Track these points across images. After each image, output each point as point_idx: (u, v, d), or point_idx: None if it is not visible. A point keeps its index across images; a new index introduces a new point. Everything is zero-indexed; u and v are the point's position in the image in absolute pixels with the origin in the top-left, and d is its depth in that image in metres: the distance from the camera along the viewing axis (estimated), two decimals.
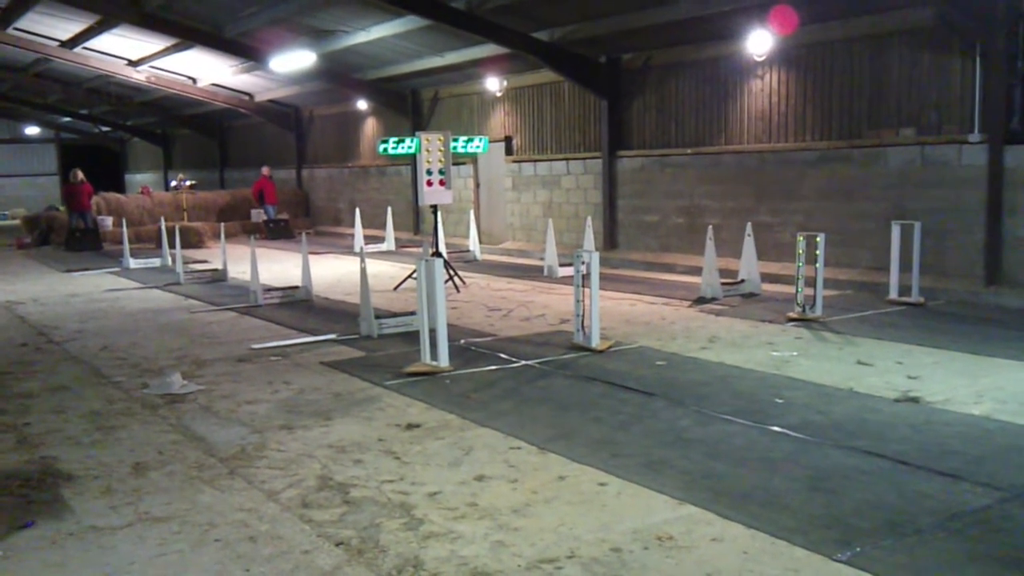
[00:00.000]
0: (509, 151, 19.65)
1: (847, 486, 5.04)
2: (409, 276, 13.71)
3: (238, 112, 27.95)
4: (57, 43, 23.15)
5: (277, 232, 24.59)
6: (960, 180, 11.65)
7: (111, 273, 17.15)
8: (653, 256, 15.96)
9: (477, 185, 20.88)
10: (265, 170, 25.55)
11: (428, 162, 12.67)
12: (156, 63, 24.16)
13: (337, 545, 4.45)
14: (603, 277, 10.14)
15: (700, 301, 11.65)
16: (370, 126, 24.69)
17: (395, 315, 10.48)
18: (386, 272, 15.76)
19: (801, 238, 10.21)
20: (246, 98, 26.82)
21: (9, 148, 40.52)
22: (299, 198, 28.09)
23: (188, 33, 19.83)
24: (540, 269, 15.29)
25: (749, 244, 12.07)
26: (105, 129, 40.05)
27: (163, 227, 18.80)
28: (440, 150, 12.74)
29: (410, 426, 6.46)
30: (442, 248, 14.12)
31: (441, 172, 12.77)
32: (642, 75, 16.31)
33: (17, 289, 15.04)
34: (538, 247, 17.45)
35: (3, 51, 24.59)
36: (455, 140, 13.28)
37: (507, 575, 4.10)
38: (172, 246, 17.07)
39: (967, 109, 11.59)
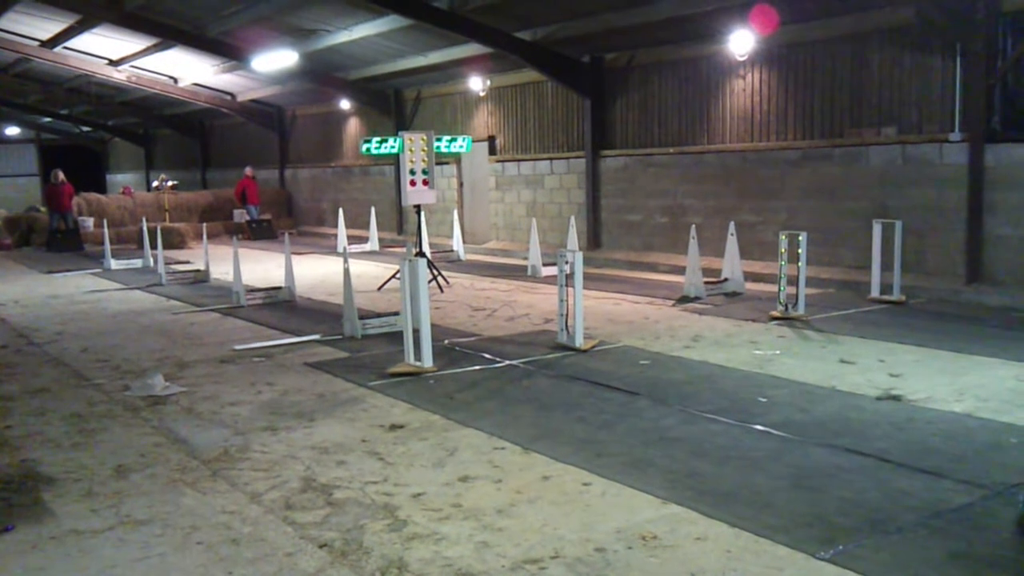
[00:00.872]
0: (492, 151, 19.64)
1: (830, 484, 5.06)
2: (393, 276, 13.69)
3: (220, 112, 27.82)
4: (37, 43, 22.98)
5: (260, 232, 24.50)
6: (941, 179, 11.73)
7: (92, 274, 17.04)
8: (636, 255, 15.98)
9: (460, 185, 20.86)
10: (248, 170, 25.43)
11: (411, 162, 12.65)
12: (137, 63, 24.02)
13: (321, 547, 4.43)
14: (587, 276, 10.14)
15: (683, 300, 11.68)
16: (353, 126, 24.63)
17: (379, 315, 10.45)
18: (370, 272, 15.73)
19: (783, 237, 10.25)
20: (228, 98, 26.70)
21: None
22: (282, 198, 27.99)
23: (169, 32, 19.73)
24: (524, 269, 15.29)
25: (732, 243, 12.11)
26: (86, 129, 39.81)
27: (145, 228, 18.69)
28: (423, 150, 12.72)
29: (394, 427, 6.45)
30: (426, 248, 14.12)
31: (424, 172, 12.74)
32: (625, 74, 16.34)
33: None
34: (522, 247, 17.45)
35: None
36: (438, 140, 13.26)
37: None
38: (154, 247, 16.97)
39: (948, 108, 11.67)
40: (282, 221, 26.48)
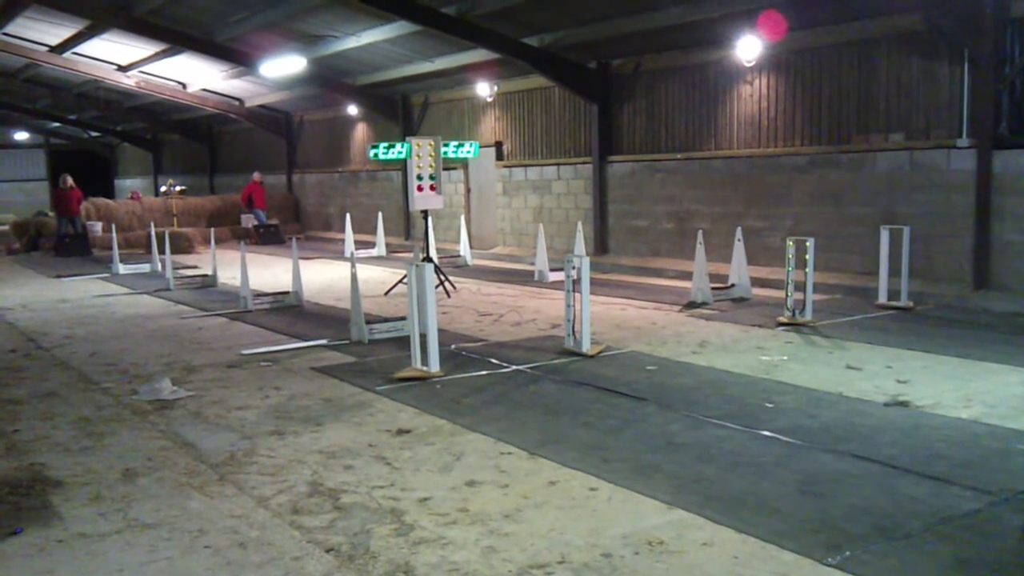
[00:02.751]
0: (500, 156, 19.67)
1: (837, 490, 5.05)
2: (400, 281, 13.70)
3: (228, 117, 27.91)
4: (46, 48, 23.08)
5: (267, 237, 24.53)
6: (948, 185, 11.71)
7: (100, 279, 17.08)
8: (643, 261, 15.98)
9: (468, 190, 20.89)
10: (256, 176, 25.49)
11: (419, 167, 12.66)
12: (146, 68, 24.10)
13: (328, 551, 4.44)
14: (594, 282, 10.15)
15: (690, 306, 11.68)
16: (361, 131, 24.69)
17: (386, 320, 10.46)
18: (377, 277, 15.74)
19: (790, 243, 10.24)
20: (236, 103, 26.77)
21: None
22: (289, 203, 28.05)
23: (178, 38, 19.80)
24: (531, 274, 15.30)
25: (739, 249, 12.10)
26: (94, 134, 39.96)
27: (153, 232, 18.75)
28: (431, 155, 12.74)
29: (401, 431, 6.45)
30: (433, 253, 14.13)
31: (432, 177, 12.76)
32: (632, 80, 16.35)
33: (6, 295, 14.97)
34: (529, 252, 17.46)
35: None
36: (446, 145, 13.28)
37: None
38: (162, 252, 17.02)
39: (955, 114, 11.65)
40: (289, 226, 26.53)
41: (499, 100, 19.52)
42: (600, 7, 14.27)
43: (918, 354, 8.52)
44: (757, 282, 12.65)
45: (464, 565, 4.24)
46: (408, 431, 6.46)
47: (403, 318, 9.91)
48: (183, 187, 27.18)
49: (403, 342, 9.07)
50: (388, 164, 20.26)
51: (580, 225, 15.09)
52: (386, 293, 13.69)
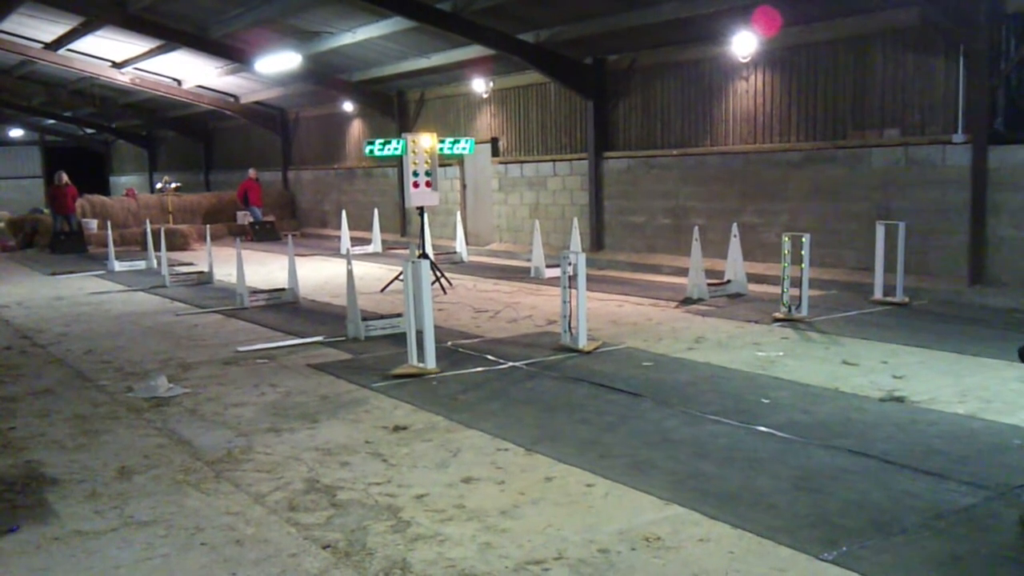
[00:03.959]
0: (495, 152, 19.65)
1: (833, 486, 5.06)
2: (396, 278, 13.70)
3: (223, 114, 27.86)
4: (41, 45, 23.04)
5: (263, 234, 24.51)
6: (944, 180, 11.73)
7: (96, 276, 17.06)
8: (639, 257, 15.98)
9: (463, 187, 20.87)
10: (251, 172, 25.47)
11: (414, 164, 12.66)
12: (141, 65, 24.07)
13: (324, 548, 4.44)
14: (590, 278, 10.15)
15: (687, 302, 11.68)
16: (356, 128, 24.66)
17: (382, 317, 10.46)
18: (373, 274, 15.74)
19: (786, 238, 10.24)
20: (231, 100, 26.73)
21: None
22: (285, 200, 28.01)
23: (173, 35, 19.77)
24: (527, 270, 15.30)
25: (735, 245, 12.11)
26: (90, 131, 39.87)
27: (148, 229, 18.72)
28: (426, 152, 12.73)
29: (397, 428, 6.45)
30: (429, 250, 14.11)
31: (427, 174, 12.76)
32: (627, 76, 16.34)
33: (1, 292, 14.95)
34: (525, 248, 17.46)
35: None
36: (441, 141, 13.27)
37: None
38: (157, 248, 16.99)
39: (951, 110, 11.66)
40: (285, 223, 26.50)
41: (495, 96, 19.50)
42: (595, 3, 14.26)
43: (914, 349, 8.53)
44: (753, 278, 12.66)
45: (461, 561, 4.25)
46: (404, 428, 6.46)
47: (399, 315, 9.90)
48: (178, 184, 27.16)
49: (399, 339, 9.07)
50: (384, 160, 20.22)
51: (576, 221, 15.08)
52: (382, 290, 13.69)
